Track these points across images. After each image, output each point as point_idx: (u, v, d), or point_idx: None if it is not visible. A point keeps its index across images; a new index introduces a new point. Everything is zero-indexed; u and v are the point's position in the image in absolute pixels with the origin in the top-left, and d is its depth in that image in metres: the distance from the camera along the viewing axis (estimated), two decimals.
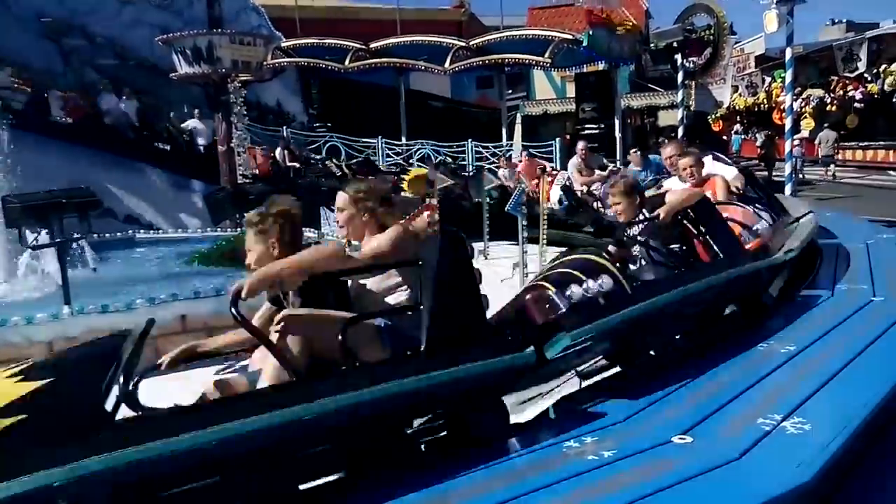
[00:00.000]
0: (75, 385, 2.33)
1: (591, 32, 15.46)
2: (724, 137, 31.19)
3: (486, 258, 9.69)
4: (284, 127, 17.51)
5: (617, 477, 2.41)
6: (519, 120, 24.12)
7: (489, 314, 3.36)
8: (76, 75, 16.03)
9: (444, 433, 3.04)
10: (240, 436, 2.32)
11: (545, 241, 8.31)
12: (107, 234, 10.59)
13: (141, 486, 2.26)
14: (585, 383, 3.80)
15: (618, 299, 3.47)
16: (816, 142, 22.05)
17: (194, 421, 2.30)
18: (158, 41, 13.14)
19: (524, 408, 3.67)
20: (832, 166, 20.98)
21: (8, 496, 2.01)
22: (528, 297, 3.60)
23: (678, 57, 16.43)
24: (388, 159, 16.25)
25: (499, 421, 3.02)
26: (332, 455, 2.69)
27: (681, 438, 2.66)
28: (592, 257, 3.79)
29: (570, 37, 15.54)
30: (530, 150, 14.14)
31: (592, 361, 3.96)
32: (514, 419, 3.25)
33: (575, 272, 3.59)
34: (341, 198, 3.18)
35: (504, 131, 17.03)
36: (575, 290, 3.44)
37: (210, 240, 9.67)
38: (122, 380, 2.46)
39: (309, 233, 9.95)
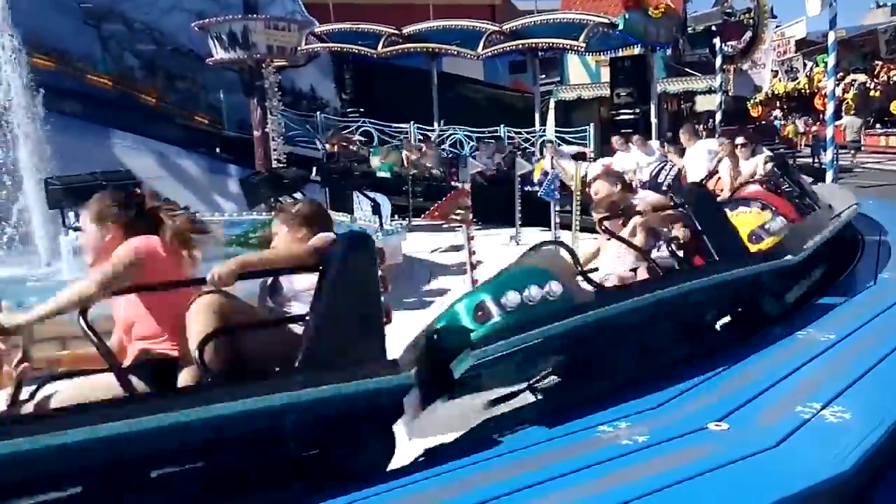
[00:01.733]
0: None
1: (626, 16, 15.23)
2: (763, 122, 30.61)
3: (517, 244, 9.69)
4: (318, 112, 17.58)
5: (650, 462, 2.39)
6: (552, 105, 23.90)
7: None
8: (115, 61, 16.29)
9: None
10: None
11: (578, 228, 8.25)
12: None
13: None
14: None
15: (559, 311, 2.97)
16: (843, 128, 21.67)
17: None
18: (195, 27, 13.26)
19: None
20: (856, 152, 20.72)
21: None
22: (460, 304, 3.06)
23: (717, 41, 16.12)
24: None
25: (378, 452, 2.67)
26: None
27: (716, 425, 2.63)
28: (549, 256, 3.33)
29: (605, 20, 15.33)
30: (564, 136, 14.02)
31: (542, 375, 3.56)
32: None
33: (523, 274, 3.13)
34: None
35: (537, 116, 16.90)
36: (511, 298, 2.94)
37: (246, 223, 9.79)
38: None
39: (341, 217, 10.01)
